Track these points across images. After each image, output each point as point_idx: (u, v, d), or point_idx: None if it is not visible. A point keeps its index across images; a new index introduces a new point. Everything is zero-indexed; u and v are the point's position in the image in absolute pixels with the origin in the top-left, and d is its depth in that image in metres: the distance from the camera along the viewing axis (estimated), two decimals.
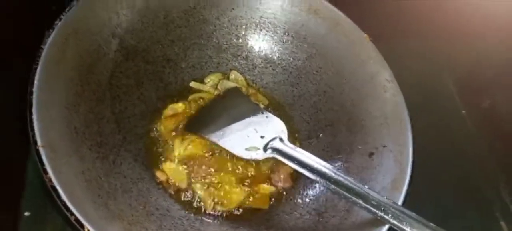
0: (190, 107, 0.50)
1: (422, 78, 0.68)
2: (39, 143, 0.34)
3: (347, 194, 0.41)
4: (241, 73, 0.56)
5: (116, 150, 0.44)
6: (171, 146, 0.47)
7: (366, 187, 0.41)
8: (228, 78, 0.55)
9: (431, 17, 0.71)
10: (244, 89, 0.55)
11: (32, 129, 0.34)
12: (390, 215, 0.39)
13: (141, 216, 0.40)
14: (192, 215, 0.44)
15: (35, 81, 0.36)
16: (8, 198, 0.45)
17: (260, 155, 0.46)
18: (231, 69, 0.56)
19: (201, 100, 0.52)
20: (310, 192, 0.48)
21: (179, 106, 0.50)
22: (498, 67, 0.72)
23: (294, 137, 0.52)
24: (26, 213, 0.45)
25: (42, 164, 0.33)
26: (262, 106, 0.54)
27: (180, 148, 0.46)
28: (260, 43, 0.57)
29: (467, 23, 0.70)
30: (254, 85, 0.56)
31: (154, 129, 0.49)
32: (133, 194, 0.42)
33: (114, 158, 0.43)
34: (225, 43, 0.56)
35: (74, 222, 0.32)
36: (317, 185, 0.48)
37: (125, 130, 0.46)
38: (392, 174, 0.45)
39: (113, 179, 0.41)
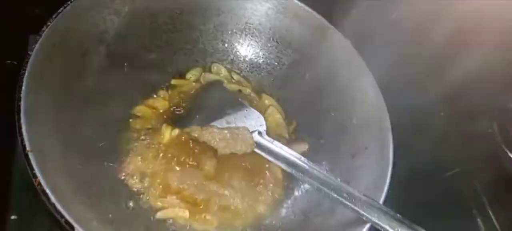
0: (172, 102, 0.51)
1: (402, 84, 0.70)
2: (28, 147, 0.34)
3: (331, 193, 0.42)
4: (221, 63, 0.57)
5: (104, 153, 0.44)
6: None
7: (350, 186, 0.42)
8: (210, 71, 0.56)
9: (409, 23, 0.74)
10: (226, 81, 0.56)
11: (21, 134, 0.34)
12: (372, 214, 0.40)
13: (130, 218, 0.41)
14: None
15: (23, 87, 0.36)
16: None
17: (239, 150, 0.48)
18: (212, 62, 0.57)
19: (182, 95, 0.52)
20: (296, 193, 0.49)
21: (161, 100, 0.51)
22: (473, 71, 0.75)
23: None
24: (13, 217, 0.44)
25: (31, 168, 0.33)
26: (246, 92, 0.55)
27: (167, 133, 0.47)
28: (246, 48, 0.58)
29: (444, 29, 0.73)
30: (237, 72, 0.57)
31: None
32: (121, 196, 0.42)
33: (102, 161, 0.43)
34: (211, 48, 0.57)
35: (64, 224, 0.32)
36: (301, 186, 0.49)
37: (112, 134, 0.46)
38: (374, 174, 0.46)
39: (102, 182, 0.42)
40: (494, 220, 0.62)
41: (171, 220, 0.43)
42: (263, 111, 0.54)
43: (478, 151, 0.69)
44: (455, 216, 0.62)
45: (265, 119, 0.51)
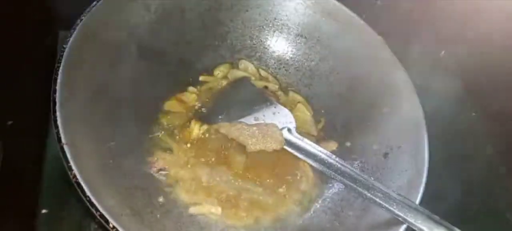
0: (200, 97, 0.51)
1: (433, 81, 0.69)
2: (63, 140, 0.34)
3: (364, 192, 0.41)
4: (249, 60, 0.57)
5: (135, 149, 0.44)
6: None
7: (386, 187, 0.41)
8: (237, 68, 0.56)
9: (442, 21, 0.72)
10: (253, 78, 0.55)
11: (56, 127, 0.35)
12: (408, 215, 0.39)
13: (160, 213, 0.41)
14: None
15: (58, 80, 0.37)
16: (25, 196, 0.45)
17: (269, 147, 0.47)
18: (240, 59, 0.56)
19: (210, 91, 0.52)
20: (326, 191, 0.48)
21: (189, 94, 0.51)
22: (507, 72, 0.73)
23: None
24: (43, 211, 0.45)
25: (67, 161, 0.33)
26: (273, 88, 0.55)
27: (196, 128, 0.47)
28: (274, 45, 0.57)
29: (477, 27, 0.71)
30: (264, 69, 0.57)
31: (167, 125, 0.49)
32: (151, 191, 0.42)
33: (132, 157, 0.43)
34: (239, 44, 0.57)
35: (99, 217, 0.32)
36: (333, 184, 0.48)
37: (143, 129, 0.46)
38: (407, 174, 0.45)
39: (132, 178, 0.42)
40: None
41: (201, 216, 0.43)
42: (291, 108, 0.53)
43: (510, 151, 0.67)
44: (489, 219, 0.60)
45: (294, 114, 0.50)
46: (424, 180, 0.43)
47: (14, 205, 0.43)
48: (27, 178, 0.46)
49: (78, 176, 0.33)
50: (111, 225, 0.32)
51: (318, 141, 0.52)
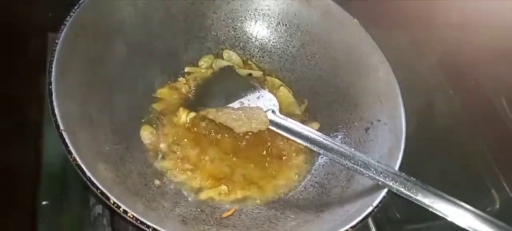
0: (188, 87, 0.54)
1: (410, 62, 0.72)
2: (61, 127, 0.36)
3: (348, 163, 0.44)
4: (233, 50, 0.59)
5: (129, 137, 0.46)
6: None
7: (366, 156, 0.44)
8: (222, 58, 0.58)
9: (417, 5, 0.76)
10: (238, 67, 0.58)
11: (54, 115, 0.37)
12: (388, 179, 0.42)
13: (157, 194, 0.43)
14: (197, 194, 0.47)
15: (53, 72, 0.39)
16: (25, 188, 0.47)
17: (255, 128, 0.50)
18: (224, 49, 0.59)
19: (198, 80, 0.55)
20: (313, 167, 0.51)
21: (180, 83, 0.54)
22: (480, 52, 0.77)
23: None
24: (44, 202, 0.47)
25: (66, 146, 0.35)
26: (257, 75, 0.58)
27: (184, 115, 0.50)
28: (256, 34, 0.60)
29: (450, 12, 0.74)
30: (249, 57, 0.60)
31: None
32: (147, 175, 0.44)
33: (127, 144, 0.46)
34: (223, 35, 0.59)
35: (100, 195, 0.34)
36: (319, 160, 0.51)
37: (135, 118, 0.49)
38: (388, 144, 0.48)
39: (128, 163, 0.44)
40: (509, 191, 0.63)
41: (193, 193, 0.45)
42: (274, 91, 0.56)
43: (489, 125, 0.71)
44: (469, 188, 0.63)
45: (276, 98, 0.53)
46: (402, 147, 0.46)
47: (14, 197, 0.45)
48: (27, 171, 0.48)
49: (77, 159, 0.35)
50: (111, 201, 0.34)
51: (302, 121, 0.54)
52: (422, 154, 0.60)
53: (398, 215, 0.57)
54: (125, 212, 0.34)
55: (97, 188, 0.34)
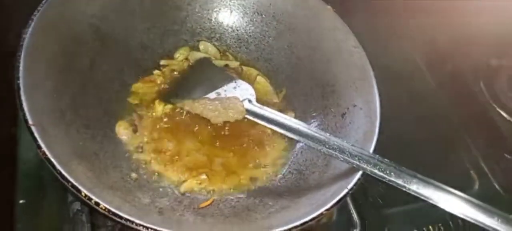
0: (165, 79, 0.54)
1: (388, 49, 0.73)
2: (30, 121, 0.36)
3: (323, 148, 0.44)
4: (210, 41, 0.59)
5: (104, 131, 0.46)
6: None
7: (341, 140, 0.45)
8: (198, 49, 0.58)
9: None
10: (214, 58, 0.58)
11: (22, 110, 0.36)
12: (363, 162, 0.42)
13: (133, 187, 0.43)
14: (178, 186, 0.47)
15: (20, 67, 0.38)
16: (1, 187, 0.46)
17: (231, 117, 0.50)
18: (200, 40, 0.59)
19: (175, 72, 0.55)
20: (292, 155, 0.52)
21: (156, 76, 0.53)
22: (457, 37, 0.78)
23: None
24: (21, 201, 0.46)
25: (35, 140, 0.35)
26: (234, 65, 0.58)
27: (160, 107, 0.50)
28: (232, 25, 0.60)
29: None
30: (226, 49, 0.60)
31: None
32: (123, 169, 0.44)
33: (102, 138, 0.45)
34: (198, 27, 0.59)
35: (71, 188, 0.34)
36: (298, 147, 0.51)
37: (110, 112, 0.48)
38: (363, 128, 0.48)
39: (103, 157, 0.44)
40: (488, 172, 0.64)
41: (172, 186, 0.45)
42: (251, 81, 0.56)
43: (468, 109, 0.72)
44: (449, 170, 0.64)
45: (254, 87, 0.53)
46: (376, 131, 0.46)
47: None
48: (3, 171, 0.47)
49: (47, 153, 0.35)
50: (83, 194, 0.34)
51: (280, 110, 0.55)
52: (401, 137, 0.61)
53: (380, 201, 0.58)
54: (97, 204, 0.33)
55: (68, 181, 0.34)
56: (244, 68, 0.59)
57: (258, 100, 0.52)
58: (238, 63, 0.59)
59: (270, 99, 0.56)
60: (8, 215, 0.45)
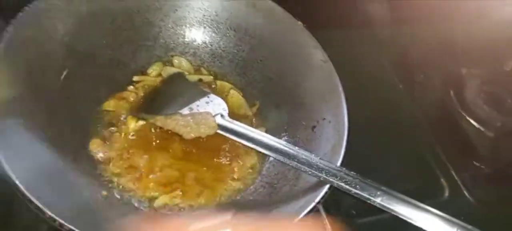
0: (136, 95, 0.54)
1: (358, 61, 0.74)
2: None
3: (293, 162, 0.45)
4: (184, 56, 0.60)
5: (75, 149, 0.46)
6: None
7: (309, 154, 0.46)
8: (172, 64, 0.59)
9: (363, 5, 0.79)
10: (188, 73, 0.59)
11: None
12: (330, 176, 0.44)
13: (104, 205, 0.43)
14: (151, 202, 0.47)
15: None
16: None
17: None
18: (173, 55, 0.59)
19: (146, 88, 0.55)
20: (264, 168, 0.52)
21: (128, 93, 0.54)
22: (428, 47, 0.80)
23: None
24: None
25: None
26: (207, 80, 0.59)
27: (132, 123, 0.50)
28: (206, 40, 0.61)
29: (397, 10, 0.78)
30: (200, 64, 0.60)
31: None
32: (94, 186, 0.44)
33: (74, 156, 0.45)
34: (172, 42, 0.60)
35: (34, 210, 0.34)
36: (270, 161, 0.52)
37: (83, 131, 0.48)
38: (332, 141, 0.49)
39: (73, 175, 0.44)
40: (458, 180, 0.66)
41: (145, 203, 0.45)
42: (224, 94, 0.57)
43: (438, 117, 0.74)
44: (419, 178, 0.65)
45: (227, 101, 0.54)
46: (344, 144, 0.48)
47: None
48: None
49: (11, 175, 0.35)
50: (47, 215, 0.34)
51: (253, 124, 0.56)
52: (371, 147, 0.62)
53: (354, 211, 0.59)
54: (61, 225, 0.34)
55: (31, 202, 0.34)
56: (218, 82, 0.60)
57: (232, 114, 0.53)
58: (211, 77, 0.60)
59: (243, 112, 0.57)
60: None
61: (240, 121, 0.52)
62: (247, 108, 0.58)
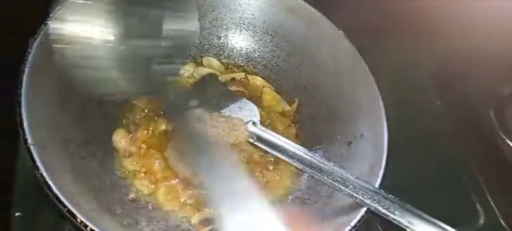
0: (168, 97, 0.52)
1: (397, 73, 0.71)
2: (29, 140, 0.35)
3: (327, 179, 0.43)
4: (218, 59, 0.59)
5: (104, 148, 0.45)
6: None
7: (345, 172, 0.43)
8: (202, 64, 0.58)
9: (403, 16, 0.75)
10: (219, 73, 0.57)
11: (22, 127, 0.35)
12: (367, 198, 0.41)
13: (132, 209, 0.42)
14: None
15: (23, 83, 0.38)
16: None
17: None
18: (204, 56, 0.58)
19: (179, 89, 0.54)
20: (297, 182, 0.50)
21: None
22: (469, 63, 0.76)
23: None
24: (17, 214, 0.45)
25: (33, 161, 0.34)
26: (240, 77, 0.57)
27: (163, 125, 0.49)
28: (241, 43, 0.59)
29: (438, 22, 0.74)
30: (229, 62, 0.59)
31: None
32: (122, 189, 0.43)
33: (102, 155, 0.44)
34: (207, 44, 0.58)
35: (66, 213, 0.33)
36: (302, 174, 0.50)
37: (112, 129, 0.47)
38: (369, 160, 0.47)
39: (101, 176, 0.43)
40: (494, 206, 0.63)
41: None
42: (258, 92, 0.56)
43: (476, 138, 0.70)
44: (454, 202, 0.62)
45: (263, 99, 0.53)
46: (383, 165, 0.45)
47: None
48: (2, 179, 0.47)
49: (44, 175, 0.34)
50: (79, 220, 0.33)
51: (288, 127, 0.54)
52: (408, 167, 0.59)
53: (380, 228, 0.57)
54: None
55: (64, 206, 0.33)
56: (249, 77, 0.58)
57: (270, 112, 0.52)
58: (243, 73, 0.58)
59: (282, 109, 0.55)
60: (3, 227, 0.45)
61: (280, 120, 0.50)
62: (286, 104, 0.56)
